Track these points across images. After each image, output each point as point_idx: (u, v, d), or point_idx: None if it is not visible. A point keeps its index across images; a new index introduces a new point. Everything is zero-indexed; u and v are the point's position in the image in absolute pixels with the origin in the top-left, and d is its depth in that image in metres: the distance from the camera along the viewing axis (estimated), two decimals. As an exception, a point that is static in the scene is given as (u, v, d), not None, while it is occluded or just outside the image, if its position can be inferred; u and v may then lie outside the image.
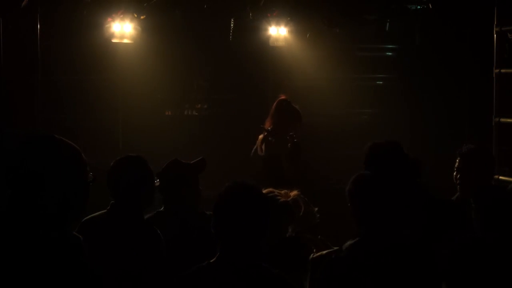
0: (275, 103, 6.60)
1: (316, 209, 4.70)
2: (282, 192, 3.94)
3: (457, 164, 4.54)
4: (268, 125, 6.43)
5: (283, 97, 6.64)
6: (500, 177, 6.63)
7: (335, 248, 3.22)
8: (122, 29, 7.12)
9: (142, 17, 7.20)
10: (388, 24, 8.07)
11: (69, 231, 2.07)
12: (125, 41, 7.21)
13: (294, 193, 3.95)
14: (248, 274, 2.53)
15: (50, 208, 2.01)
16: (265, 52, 8.19)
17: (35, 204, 2.00)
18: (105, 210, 3.73)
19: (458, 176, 4.50)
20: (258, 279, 2.54)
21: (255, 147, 6.47)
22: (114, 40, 7.24)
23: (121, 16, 7.05)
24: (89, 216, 3.68)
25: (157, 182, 4.00)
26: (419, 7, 8.00)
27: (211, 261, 2.60)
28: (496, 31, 7.01)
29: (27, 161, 2.05)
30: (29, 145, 2.08)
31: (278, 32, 7.67)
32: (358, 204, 3.13)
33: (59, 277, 1.93)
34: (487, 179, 4.49)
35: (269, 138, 6.36)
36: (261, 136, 6.35)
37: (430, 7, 7.70)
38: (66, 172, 2.06)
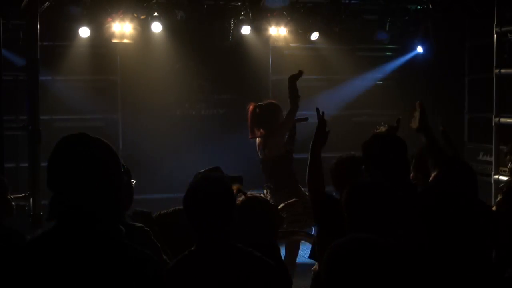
0: (249, 113, 6.11)
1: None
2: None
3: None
4: (259, 134, 6.03)
5: (252, 105, 6.14)
6: (500, 177, 6.64)
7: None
8: (122, 29, 7.13)
9: (142, 17, 7.20)
10: (388, 24, 8.07)
11: (115, 224, 2.08)
12: (125, 41, 7.21)
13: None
14: (229, 255, 2.63)
15: (89, 207, 2.02)
16: (265, 52, 8.19)
17: (77, 204, 2.01)
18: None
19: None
20: (239, 257, 2.64)
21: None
22: (114, 40, 7.25)
23: (121, 16, 7.06)
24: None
25: (133, 182, 3.71)
26: (419, 7, 8.01)
27: (192, 249, 2.69)
28: (496, 31, 7.01)
29: (63, 161, 2.02)
30: (68, 145, 2.04)
31: (278, 32, 7.67)
32: (354, 212, 3.05)
33: (113, 264, 1.97)
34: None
35: (265, 142, 6.16)
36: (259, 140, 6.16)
37: (430, 7, 7.71)
38: (103, 172, 2.05)
